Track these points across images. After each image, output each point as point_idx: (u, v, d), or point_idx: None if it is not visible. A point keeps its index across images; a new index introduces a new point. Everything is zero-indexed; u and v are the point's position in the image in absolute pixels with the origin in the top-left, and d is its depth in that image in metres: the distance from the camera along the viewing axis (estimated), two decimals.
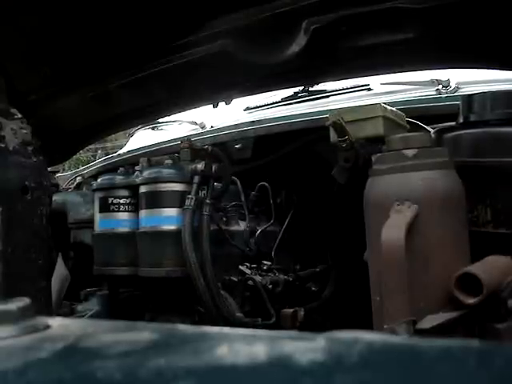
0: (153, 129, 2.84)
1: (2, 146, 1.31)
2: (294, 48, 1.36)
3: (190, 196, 1.61)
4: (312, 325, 1.79)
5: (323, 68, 1.60)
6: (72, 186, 2.53)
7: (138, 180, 1.69)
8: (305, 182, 2.01)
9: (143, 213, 1.67)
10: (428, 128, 1.56)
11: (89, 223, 1.86)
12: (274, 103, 2.37)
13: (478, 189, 1.34)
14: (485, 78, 1.90)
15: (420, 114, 1.69)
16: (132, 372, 0.32)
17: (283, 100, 2.35)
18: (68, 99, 1.59)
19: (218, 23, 1.34)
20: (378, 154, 1.30)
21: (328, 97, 2.26)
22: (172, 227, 1.62)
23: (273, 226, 1.95)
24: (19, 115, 1.38)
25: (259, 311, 1.73)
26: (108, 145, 9.28)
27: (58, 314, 1.68)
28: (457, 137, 1.42)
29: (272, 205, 1.95)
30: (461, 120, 1.46)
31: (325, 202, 1.91)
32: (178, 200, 1.63)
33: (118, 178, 1.77)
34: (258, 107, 2.42)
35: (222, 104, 1.84)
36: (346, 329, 0.37)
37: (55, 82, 1.51)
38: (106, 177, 1.82)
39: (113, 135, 6.61)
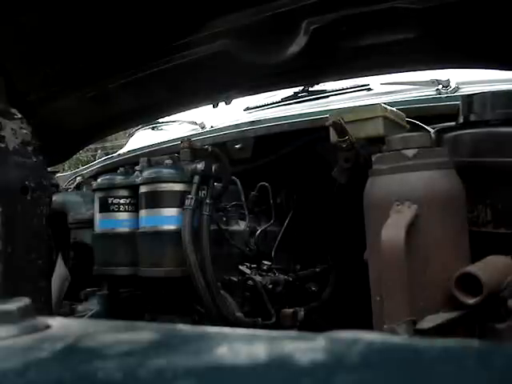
0: (153, 129, 2.84)
1: (2, 145, 1.31)
2: (294, 48, 1.36)
3: (190, 196, 1.61)
4: (312, 325, 1.79)
5: (323, 68, 1.60)
6: (72, 186, 2.52)
7: (138, 180, 1.69)
8: (305, 182, 2.01)
9: (143, 213, 1.67)
10: (428, 128, 1.56)
11: (89, 223, 1.85)
12: (274, 103, 2.37)
13: (478, 189, 1.34)
14: (485, 77, 1.90)
15: (420, 114, 1.69)
16: (132, 372, 0.32)
17: (283, 100, 2.35)
18: (68, 99, 1.59)
19: (218, 23, 1.34)
20: (378, 154, 1.30)
21: (328, 97, 2.26)
22: (172, 227, 1.62)
23: (273, 226, 1.95)
24: (19, 115, 1.38)
25: (259, 311, 1.73)
26: (108, 145, 9.28)
27: (58, 314, 1.68)
28: (457, 137, 1.42)
29: (272, 205, 1.95)
30: (461, 120, 1.46)
31: (325, 202, 1.90)
32: (178, 200, 1.63)
33: (118, 178, 1.77)
34: (258, 107, 2.42)
35: (222, 104, 1.84)
36: (346, 329, 0.37)
37: (55, 81, 1.51)
38: (106, 177, 1.82)
39: (113, 135, 6.61)
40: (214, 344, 0.38)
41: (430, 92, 1.95)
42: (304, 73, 1.63)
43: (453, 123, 1.49)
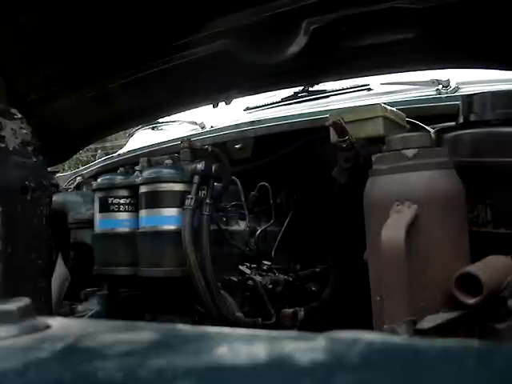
0: (153, 129, 2.84)
1: (2, 145, 1.31)
2: (294, 48, 1.36)
3: (190, 196, 1.61)
4: (312, 325, 1.79)
5: (323, 68, 1.60)
6: (72, 186, 2.52)
7: (138, 180, 1.69)
8: (305, 183, 2.01)
9: (143, 213, 1.67)
10: (428, 128, 1.56)
11: (89, 223, 1.86)
12: (273, 103, 2.37)
13: (478, 189, 1.34)
14: (485, 77, 1.90)
15: (420, 114, 1.69)
16: (132, 372, 0.32)
17: (283, 100, 2.35)
18: (68, 99, 1.59)
19: (218, 23, 1.34)
20: (378, 154, 1.30)
21: (328, 97, 2.26)
22: (172, 227, 1.62)
23: (273, 226, 1.95)
24: (19, 115, 1.38)
25: (259, 311, 1.73)
26: (108, 145, 9.28)
27: (58, 314, 1.68)
28: (457, 137, 1.42)
29: (272, 205, 1.95)
30: (461, 120, 1.46)
31: (325, 202, 1.90)
32: (178, 200, 1.63)
33: (118, 178, 1.77)
34: (258, 107, 2.42)
35: (222, 104, 1.84)
36: (346, 329, 0.37)
37: (55, 81, 1.51)
38: (106, 177, 1.82)
39: (113, 135, 6.61)
40: (214, 344, 0.38)
41: (430, 92, 1.95)
42: (304, 73, 1.63)
43: (453, 123, 1.49)
